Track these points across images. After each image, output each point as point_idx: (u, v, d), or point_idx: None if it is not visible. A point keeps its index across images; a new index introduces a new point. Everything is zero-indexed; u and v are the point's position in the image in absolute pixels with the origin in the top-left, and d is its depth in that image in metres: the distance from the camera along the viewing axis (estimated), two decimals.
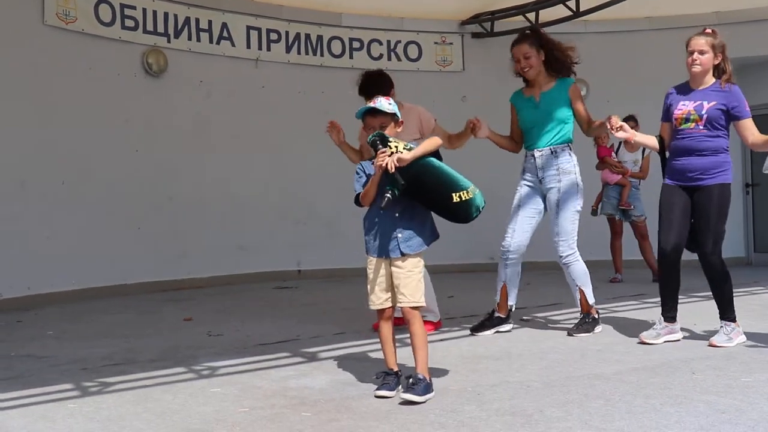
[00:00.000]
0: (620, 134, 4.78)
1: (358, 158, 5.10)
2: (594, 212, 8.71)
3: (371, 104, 3.74)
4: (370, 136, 3.65)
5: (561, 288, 7.76)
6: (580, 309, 5.27)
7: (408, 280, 3.68)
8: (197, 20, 9.06)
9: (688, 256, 4.79)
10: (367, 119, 3.77)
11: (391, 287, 3.74)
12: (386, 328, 3.78)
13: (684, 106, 4.73)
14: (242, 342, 5.11)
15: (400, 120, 3.80)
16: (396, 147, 3.61)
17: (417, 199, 3.68)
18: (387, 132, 3.71)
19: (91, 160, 7.97)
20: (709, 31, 4.76)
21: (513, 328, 5.38)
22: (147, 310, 6.95)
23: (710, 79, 4.74)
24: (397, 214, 3.68)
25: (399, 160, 3.54)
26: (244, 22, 9.42)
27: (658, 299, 4.91)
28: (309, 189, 9.65)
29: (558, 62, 5.25)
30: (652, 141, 4.95)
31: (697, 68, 4.71)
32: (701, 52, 4.68)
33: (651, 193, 8.89)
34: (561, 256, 5.18)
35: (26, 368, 4.45)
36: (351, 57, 10.09)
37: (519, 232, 5.23)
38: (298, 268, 9.70)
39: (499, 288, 5.32)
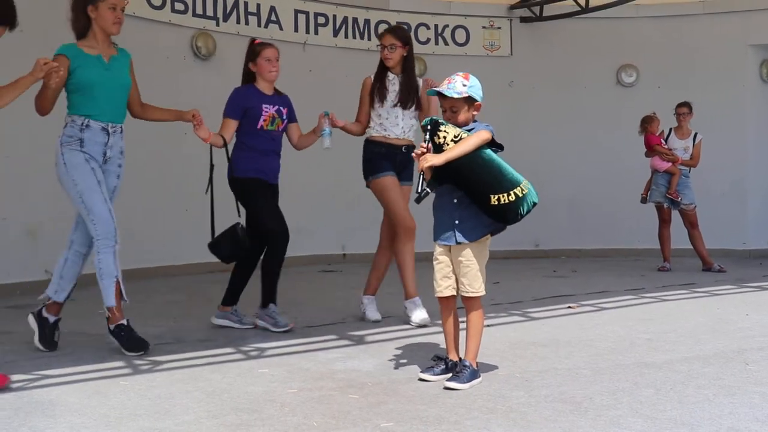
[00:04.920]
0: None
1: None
2: (643, 200, 8.59)
3: (439, 87, 3.67)
4: (424, 121, 3.60)
5: (609, 275, 7.70)
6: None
7: (467, 269, 3.64)
8: (246, 4, 9.09)
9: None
10: (440, 99, 3.70)
11: (455, 275, 3.69)
12: (447, 320, 3.73)
13: (268, 109, 4.97)
14: None
15: (477, 103, 3.67)
16: (445, 137, 3.49)
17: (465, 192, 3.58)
18: (459, 116, 3.61)
19: (139, 142, 8.04)
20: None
21: (546, 316, 5.31)
22: (195, 291, 7.04)
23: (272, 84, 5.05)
24: (455, 200, 3.61)
25: (430, 164, 3.45)
26: (292, 5, 9.42)
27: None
28: (356, 173, 9.63)
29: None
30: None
31: (273, 77, 5.00)
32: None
33: (700, 180, 8.81)
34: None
35: (79, 345, 4.54)
36: None
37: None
38: (343, 252, 9.72)
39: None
